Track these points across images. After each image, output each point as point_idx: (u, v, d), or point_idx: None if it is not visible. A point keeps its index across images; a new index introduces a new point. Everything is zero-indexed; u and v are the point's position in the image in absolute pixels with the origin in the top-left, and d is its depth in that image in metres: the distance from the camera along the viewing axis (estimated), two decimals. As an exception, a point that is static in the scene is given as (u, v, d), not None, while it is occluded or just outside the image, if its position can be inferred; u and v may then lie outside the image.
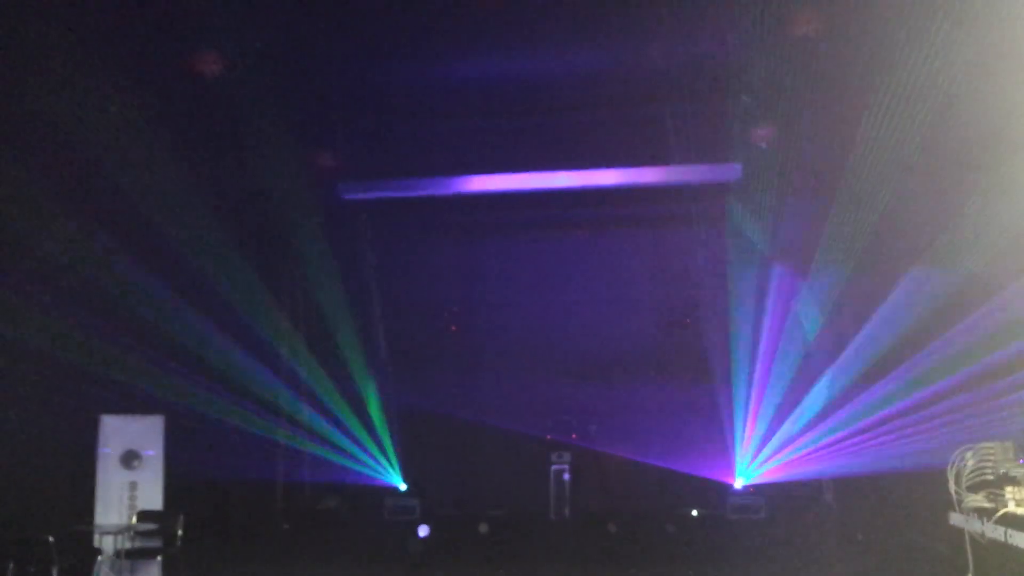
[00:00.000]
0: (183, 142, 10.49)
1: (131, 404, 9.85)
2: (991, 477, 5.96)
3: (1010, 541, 5.45)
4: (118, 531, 8.52)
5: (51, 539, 7.46)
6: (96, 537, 8.66)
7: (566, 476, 13.44)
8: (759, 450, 13.42)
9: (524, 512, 13.59)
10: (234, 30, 8.74)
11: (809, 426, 12.88)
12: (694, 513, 12.18)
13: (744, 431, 13.54)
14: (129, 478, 9.31)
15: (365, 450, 13.97)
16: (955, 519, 6.25)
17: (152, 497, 9.32)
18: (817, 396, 12.84)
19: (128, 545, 8.66)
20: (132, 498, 9.28)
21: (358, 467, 13.92)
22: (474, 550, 11.30)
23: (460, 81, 10.36)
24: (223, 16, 8.45)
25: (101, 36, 8.33)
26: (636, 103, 10.85)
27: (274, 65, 9.52)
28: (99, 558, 8.36)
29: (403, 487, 13.95)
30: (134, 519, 9.09)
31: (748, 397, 13.55)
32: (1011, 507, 5.59)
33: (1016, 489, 5.66)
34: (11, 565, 7.30)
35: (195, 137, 10.53)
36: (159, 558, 8.97)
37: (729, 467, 13.66)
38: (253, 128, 10.68)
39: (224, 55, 9.07)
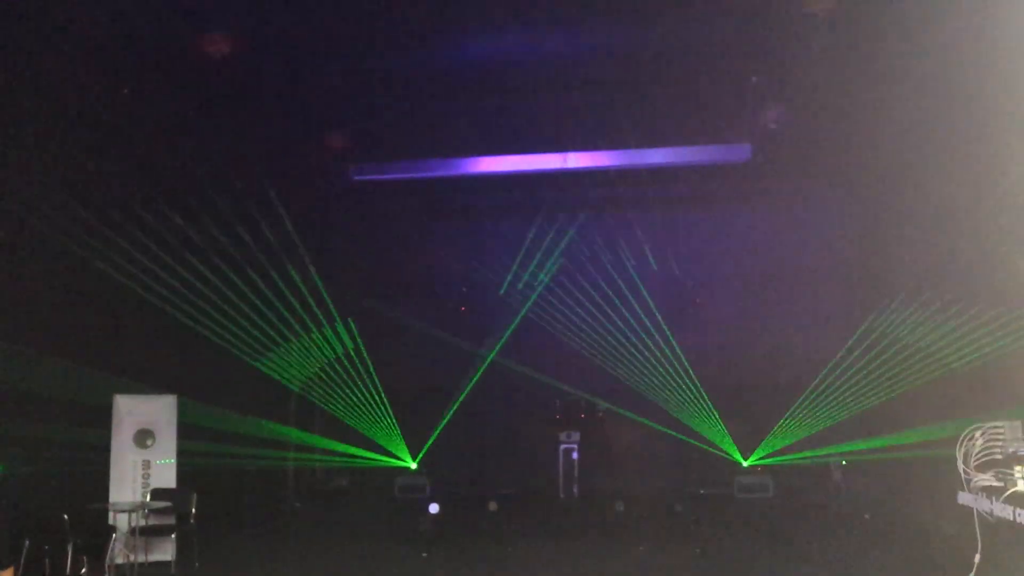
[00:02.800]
0: (194, 124, 10.52)
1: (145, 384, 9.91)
2: (1000, 456, 5.98)
3: (1018, 520, 5.48)
4: (132, 509, 8.60)
5: (66, 517, 7.55)
6: (111, 515, 8.76)
7: (575, 455, 13.50)
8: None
9: (533, 490, 13.67)
10: (246, 10, 8.72)
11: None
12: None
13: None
14: (143, 456, 9.40)
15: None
16: (964, 498, 6.27)
17: (165, 475, 9.42)
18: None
19: (142, 522, 8.75)
20: (146, 476, 9.37)
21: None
22: (484, 528, 11.37)
23: (470, 62, 10.32)
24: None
25: (113, 16, 8.33)
26: (646, 83, 10.81)
27: (285, 46, 9.51)
28: (114, 535, 8.44)
29: (413, 466, 14.07)
30: (148, 497, 9.19)
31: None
32: (1020, 486, 5.62)
33: (1025, 468, 5.68)
34: (27, 542, 7.37)
35: (206, 118, 10.55)
36: (173, 535, 9.07)
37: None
38: (264, 109, 10.70)
39: (235, 36, 9.05)
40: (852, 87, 9.97)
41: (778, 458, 13.35)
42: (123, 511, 8.64)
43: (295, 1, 8.65)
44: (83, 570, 7.72)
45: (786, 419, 13.26)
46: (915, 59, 8.87)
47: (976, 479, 6.09)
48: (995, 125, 8.49)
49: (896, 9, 8.31)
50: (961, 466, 6.23)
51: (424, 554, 9.71)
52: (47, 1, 7.80)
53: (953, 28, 7.99)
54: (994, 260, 9.35)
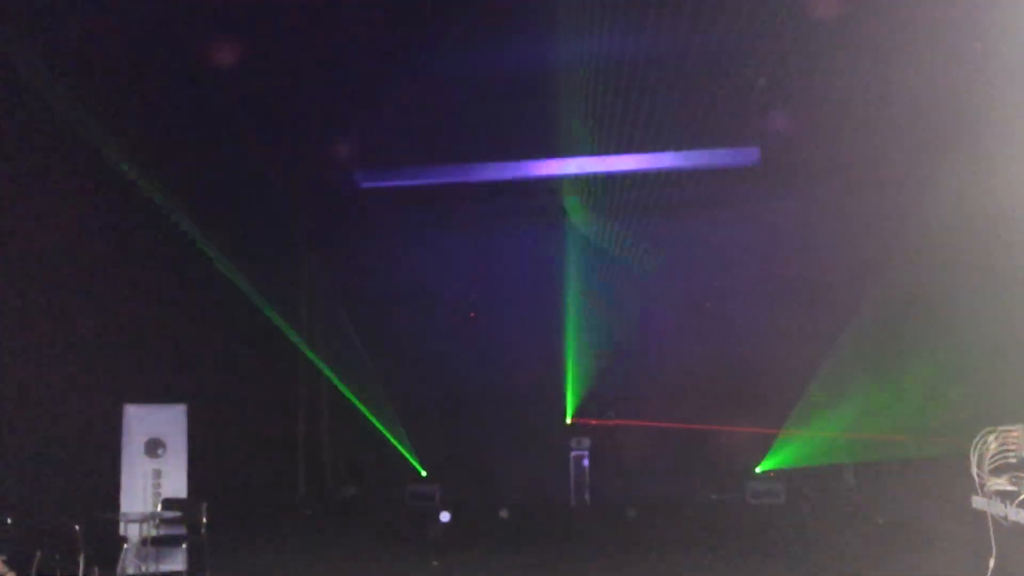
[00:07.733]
0: (201, 132, 10.56)
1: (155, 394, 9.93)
2: (1014, 460, 5.92)
3: (1033, 524, 5.42)
4: (143, 519, 8.60)
5: (77, 527, 7.55)
6: (122, 525, 8.74)
7: (585, 462, 13.47)
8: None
9: (544, 498, 13.65)
10: (252, 18, 8.76)
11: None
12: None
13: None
14: (153, 466, 9.39)
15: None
16: (977, 502, 6.21)
17: (176, 485, 9.41)
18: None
19: (153, 533, 8.75)
20: (156, 486, 9.36)
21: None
22: (495, 536, 11.35)
23: (478, 68, 10.34)
24: (241, 4, 8.49)
25: (121, 25, 8.38)
26: (654, 88, 10.80)
27: (291, 54, 9.55)
28: (125, 546, 8.44)
29: (423, 473, 14.06)
30: (159, 507, 9.18)
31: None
32: (1034, 490, 5.56)
33: (1039, 472, 5.63)
34: (38, 553, 7.38)
35: (213, 127, 10.59)
36: (184, 545, 9.06)
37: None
38: (271, 117, 10.72)
39: (241, 44, 9.09)
40: (860, 91, 9.95)
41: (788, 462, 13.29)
42: (134, 521, 8.64)
43: (303, 8, 8.69)
44: (94, 580, 7.72)
45: (796, 424, 13.20)
46: (922, 62, 8.83)
47: (990, 483, 6.03)
48: (1003, 127, 8.44)
49: (903, 12, 8.29)
50: (975, 470, 6.18)
51: (435, 562, 9.68)
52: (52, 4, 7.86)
53: (959, 30, 7.96)
54: (998, 262, 9.32)
